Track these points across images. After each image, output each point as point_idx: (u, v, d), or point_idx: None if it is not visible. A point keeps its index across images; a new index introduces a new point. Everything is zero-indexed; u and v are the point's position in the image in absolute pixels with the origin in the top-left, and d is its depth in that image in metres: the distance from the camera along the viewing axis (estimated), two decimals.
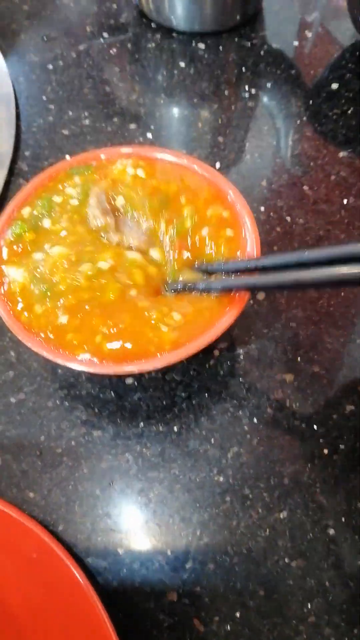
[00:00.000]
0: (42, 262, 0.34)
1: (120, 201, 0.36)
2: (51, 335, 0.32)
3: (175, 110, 0.55)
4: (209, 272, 0.34)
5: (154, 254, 0.35)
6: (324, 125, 0.53)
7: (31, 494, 0.35)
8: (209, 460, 0.36)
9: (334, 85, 0.57)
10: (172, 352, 0.31)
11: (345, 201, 0.47)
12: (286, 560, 0.33)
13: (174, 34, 0.61)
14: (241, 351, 0.40)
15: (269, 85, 0.57)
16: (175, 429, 0.37)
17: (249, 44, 0.61)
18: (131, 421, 0.37)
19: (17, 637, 0.30)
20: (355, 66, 0.59)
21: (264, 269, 0.31)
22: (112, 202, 0.36)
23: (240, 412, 0.38)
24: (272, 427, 0.37)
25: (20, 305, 0.33)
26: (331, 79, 0.57)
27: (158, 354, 0.31)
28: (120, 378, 0.39)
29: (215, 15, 0.59)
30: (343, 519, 0.34)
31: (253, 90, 0.56)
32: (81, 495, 0.35)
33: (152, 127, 0.53)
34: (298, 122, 0.54)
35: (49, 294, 0.33)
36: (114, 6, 0.65)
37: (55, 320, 0.32)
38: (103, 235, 0.36)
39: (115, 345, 0.31)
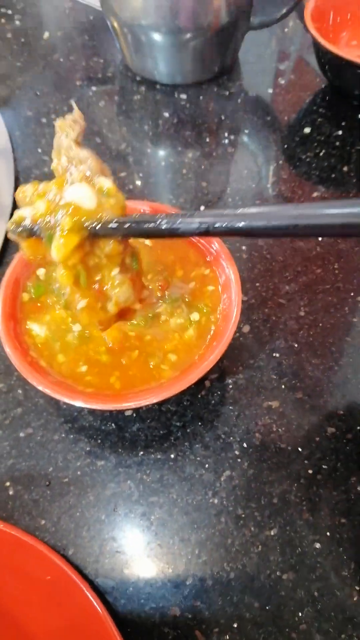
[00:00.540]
0: (52, 322, 0.39)
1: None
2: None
3: (161, 158, 0.60)
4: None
5: (105, 182, 0.32)
6: (298, 168, 0.58)
7: (42, 521, 0.38)
8: (204, 484, 0.39)
9: (307, 130, 0.62)
10: (170, 387, 0.35)
11: (320, 238, 0.52)
12: (278, 573, 0.36)
13: (158, 86, 0.66)
14: (230, 381, 0.44)
15: (247, 131, 0.62)
16: (172, 456, 0.40)
17: (227, 93, 0.66)
18: (131, 450, 0.41)
19: None
20: (324, 110, 0.64)
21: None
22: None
23: (231, 438, 0.41)
24: (260, 451, 0.40)
25: (40, 354, 0.38)
26: (304, 123, 0.62)
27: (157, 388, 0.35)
28: (120, 410, 0.42)
29: (194, 69, 0.65)
30: (328, 534, 0.37)
31: (232, 137, 0.61)
32: (88, 520, 0.38)
33: (140, 174, 0.58)
34: (275, 165, 0.59)
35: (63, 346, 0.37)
36: (101, 61, 0.70)
37: (76, 368, 0.36)
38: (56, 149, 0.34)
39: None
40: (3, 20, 0.75)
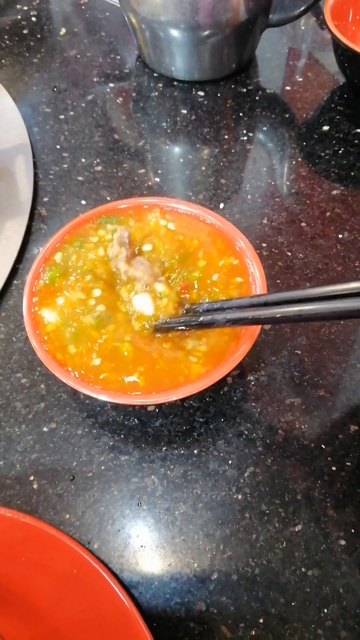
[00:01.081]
0: (65, 307, 0.38)
1: (147, 247, 0.40)
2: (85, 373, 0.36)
3: (180, 155, 0.60)
4: (199, 313, 0.38)
5: (159, 286, 0.39)
6: (317, 165, 0.58)
7: (67, 516, 0.38)
8: (228, 480, 0.39)
9: (325, 127, 0.61)
10: (195, 383, 0.35)
11: (340, 236, 0.52)
12: (303, 569, 0.36)
13: (175, 83, 0.66)
14: (252, 378, 0.44)
15: (264, 128, 0.62)
16: (196, 452, 0.40)
17: (244, 90, 0.66)
18: (155, 446, 0.41)
19: None
20: (343, 108, 0.64)
21: (266, 305, 0.33)
22: (135, 244, 0.41)
23: (254, 435, 0.41)
24: (284, 448, 0.41)
25: (54, 345, 0.37)
26: (322, 121, 0.62)
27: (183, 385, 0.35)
28: (143, 406, 0.42)
29: (212, 65, 0.65)
30: (352, 530, 0.37)
31: (250, 134, 0.61)
32: (112, 515, 0.38)
33: (159, 171, 0.58)
34: (293, 162, 0.59)
35: (80, 337, 0.37)
36: (118, 57, 0.70)
37: (89, 362, 0.36)
38: (113, 266, 0.40)
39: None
40: (19, 17, 0.75)
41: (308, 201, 0.55)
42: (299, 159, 0.59)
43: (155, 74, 0.67)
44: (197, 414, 0.42)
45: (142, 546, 0.37)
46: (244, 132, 0.61)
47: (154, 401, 0.35)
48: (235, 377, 0.44)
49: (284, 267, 0.50)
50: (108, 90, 0.66)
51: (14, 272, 0.50)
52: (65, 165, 0.58)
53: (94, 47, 0.71)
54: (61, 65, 0.69)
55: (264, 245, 0.51)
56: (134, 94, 0.66)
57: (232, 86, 0.66)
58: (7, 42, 0.72)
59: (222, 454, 0.40)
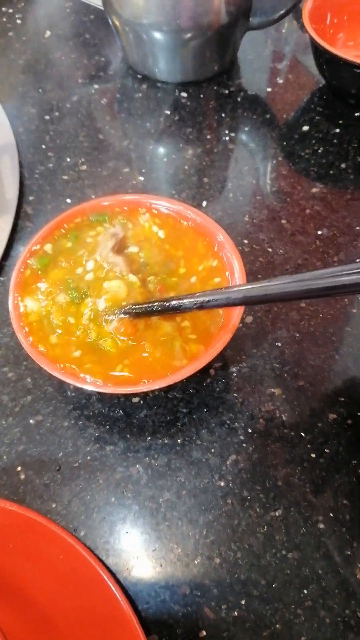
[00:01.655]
0: (47, 297, 0.40)
1: (133, 249, 0.42)
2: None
3: (164, 154, 0.61)
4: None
5: (132, 277, 0.40)
6: (297, 164, 0.60)
7: (53, 505, 0.39)
8: (211, 468, 0.40)
9: (305, 128, 0.63)
10: (175, 374, 0.36)
11: (319, 232, 0.53)
12: (283, 552, 0.37)
13: (159, 84, 0.68)
14: (234, 369, 0.45)
15: (246, 128, 0.63)
16: (179, 441, 0.42)
17: (227, 91, 0.67)
18: (139, 436, 0.42)
19: (46, 630, 0.34)
20: (322, 109, 0.65)
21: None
22: (126, 244, 0.42)
23: (236, 424, 0.42)
24: (265, 436, 0.42)
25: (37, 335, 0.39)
26: (302, 121, 0.64)
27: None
28: (128, 398, 0.43)
29: (195, 67, 0.66)
30: (331, 514, 0.39)
31: (233, 134, 0.63)
32: (98, 503, 0.39)
33: (143, 170, 0.59)
34: (274, 161, 0.60)
35: (60, 328, 0.38)
36: (102, 59, 0.71)
37: (70, 354, 0.37)
38: (99, 253, 0.42)
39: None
40: (4, 19, 0.76)
41: (288, 199, 0.56)
42: (280, 159, 0.60)
43: (139, 76, 0.69)
44: (181, 405, 0.43)
45: (127, 532, 0.38)
46: (226, 132, 0.63)
47: (138, 389, 0.36)
48: (218, 369, 0.45)
49: (265, 262, 0.51)
50: (93, 91, 0.67)
51: (0, 269, 0.51)
52: (51, 165, 0.59)
53: (79, 49, 0.72)
54: (46, 67, 0.70)
55: (245, 241, 0.53)
56: (118, 95, 0.67)
57: (215, 88, 0.67)
58: None
59: (205, 443, 0.41)
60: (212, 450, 0.41)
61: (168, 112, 0.65)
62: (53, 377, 0.42)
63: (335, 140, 0.61)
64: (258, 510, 0.39)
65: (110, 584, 0.34)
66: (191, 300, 0.36)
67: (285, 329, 0.47)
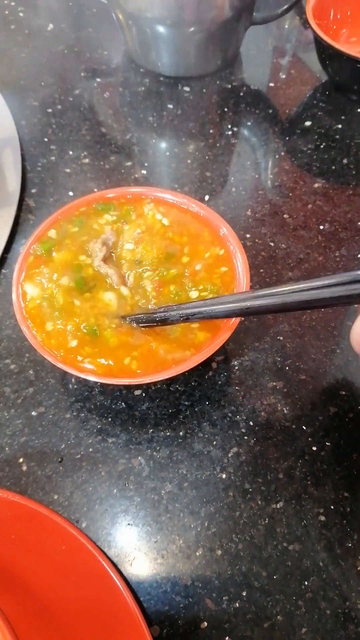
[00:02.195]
0: (49, 280, 0.40)
1: (128, 246, 0.42)
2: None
3: (166, 148, 0.61)
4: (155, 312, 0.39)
5: (124, 290, 0.41)
6: (299, 159, 0.60)
7: (55, 496, 0.39)
8: (212, 460, 0.41)
9: (307, 123, 0.63)
10: (177, 367, 0.36)
11: (321, 227, 0.53)
12: (284, 544, 0.37)
13: (161, 78, 0.67)
14: (236, 363, 0.45)
15: (249, 123, 0.63)
16: (181, 433, 0.42)
17: (229, 86, 0.67)
18: (141, 428, 0.42)
19: (49, 621, 0.34)
20: (324, 104, 0.65)
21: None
22: (116, 247, 0.43)
23: (238, 417, 0.42)
24: (266, 429, 0.42)
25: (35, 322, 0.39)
26: (304, 117, 0.64)
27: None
28: (130, 390, 0.43)
29: (198, 62, 0.66)
30: (332, 507, 0.39)
31: (235, 129, 0.63)
32: (100, 495, 0.39)
33: (145, 164, 0.59)
34: (276, 156, 0.60)
35: (57, 315, 0.38)
36: (105, 53, 0.71)
37: (66, 343, 0.37)
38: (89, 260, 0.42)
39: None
40: (7, 12, 0.76)
41: (290, 194, 0.56)
42: (282, 154, 0.60)
43: (141, 70, 0.68)
44: (183, 398, 0.43)
45: (129, 524, 0.38)
46: (229, 127, 0.63)
47: (140, 381, 0.36)
48: (220, 362, 0.45)
49: (267, 257, 0.51)
50: (95, 84, 0.67)
51: (2, 262, 0.51)
52: (53, 158, 0.59)
53: (82, 43, 0.72)
54: (49, 60, 0.70)
55: (247, 236, 0.53)
56: (120, 89, 0.67)
57: (218, 82, 0.67)
58: None
59: (206, 436, 0.42)
60: (214, 442, 0.41)
61: (171, 106, 0.65)
62: (56, 368, 0.43)
63: (337, 136, 0.61)
64: (259, 502, 0.39)
65: (113, 575, 0.34)
66: (176, 312, 0.37)
67: (287, 322, 0.47)
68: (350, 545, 0.37)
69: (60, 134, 0.61)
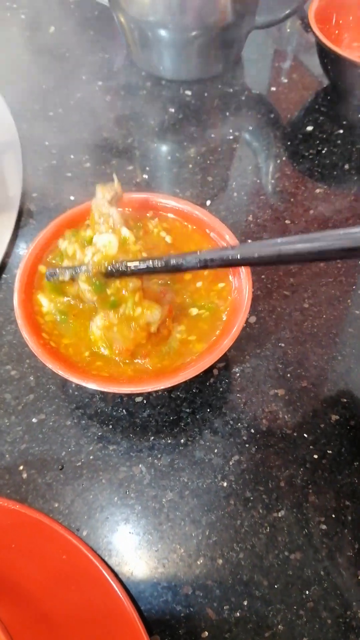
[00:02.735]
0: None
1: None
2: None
3: (167, 153, 0.61)
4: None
5: (125, 231, 0.38)
6: (301, 165, 0.59)
7: (56, 504, 0.39)
8: (214, 468, 0.40)
9: (309, 128, 0.63)
10: (179, 374, 0.36)
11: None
12: (285, 553, 0.37)
13: (163, 82, 0.67)
14: (237, 370, 0.45)
15: (250, 128, 0.63)
16: (182, 441, 0.41)
17: (231, 90, 0.67)
18: (142, 435, 0.42)
19: (49, 630, 0.34)
20: (326, 109, 0.65)
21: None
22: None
23: (239, 424, 0.42)
24: (267, 437, 0.42)
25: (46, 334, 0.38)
26: (306, 121, 0.64)
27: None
28: (131, 397, 0.43)
29: (199, 66, 0.66)
30: (333, 516, 0.39)
31: (236, 133, 0.62)
32: (101, 503, 0.39)
33: (147, 168, 0.59)
34: (278, 161, 0.60)
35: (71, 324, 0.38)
36: (107, 56, 0.71)
37: (82, 353, 0.37)
38: (95, 209, 0.39)
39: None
40: (9, 14, 0.76)
41: (292, 199, 0.56)
42: (284, 158, 0.60)
43: (143, 73, 0.68)
44: (184, 405, 0.43)
45: (130, 532, 0.38)
46: (230, 131, 0.63)
47: (141, 389, 0.36)
48: (221, 369, 0.45)
49: None
50: (97, 88, 0.67)
51: (3, 267, 0.50)
52: (54, 162, 0.59)
53: (83, 46, 0.72)
54: (50, 63, 0.70)
55: (249, 241, 0.53)
56: (122, 93, 0.67)
57: (219, 86, 0.67)
58: None
59: (208, 443, 0.41)
60: (215, 450, 0.41)
61: (172, 110, 0.64)
62: (56, 375, 0.42)
63: (339, 141, 0.61)
64: (261, 511, 0.39)
65: (113, 584, 0.34)
66: (194, 256, 0.34)
67: (289, 329, 0.47)
68: (351, 554, 0.37)
69: (62, 137, 0.61)
